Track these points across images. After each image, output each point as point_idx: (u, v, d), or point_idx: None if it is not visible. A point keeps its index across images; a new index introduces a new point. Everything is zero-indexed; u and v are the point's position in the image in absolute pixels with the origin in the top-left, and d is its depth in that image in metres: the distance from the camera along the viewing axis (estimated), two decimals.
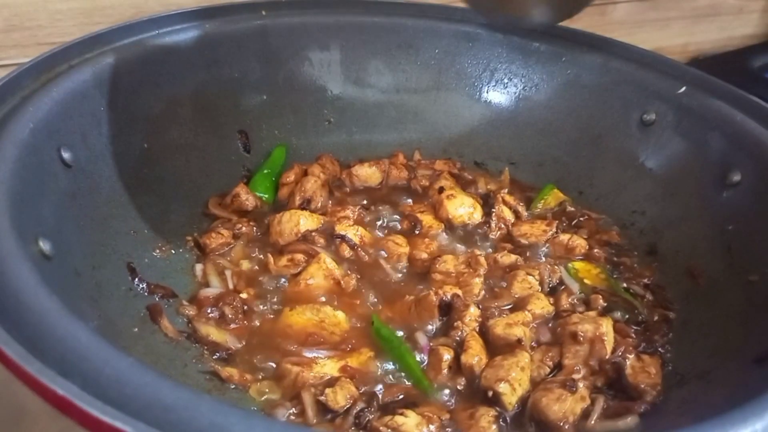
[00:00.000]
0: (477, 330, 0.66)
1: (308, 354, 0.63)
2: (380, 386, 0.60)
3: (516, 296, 0.71)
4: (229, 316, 0.66)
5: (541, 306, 0.69)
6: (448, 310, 0.67)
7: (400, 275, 0.74)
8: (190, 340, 0.63)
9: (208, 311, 0.67)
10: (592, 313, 0.68)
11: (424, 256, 0.76)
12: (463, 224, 0.82)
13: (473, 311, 0.66)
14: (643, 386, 0.61)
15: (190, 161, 0.80)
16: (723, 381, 0.58)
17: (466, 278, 0.72)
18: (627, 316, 0.71)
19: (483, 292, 0.71)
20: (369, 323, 0.66)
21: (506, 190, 0.87)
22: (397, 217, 0.82)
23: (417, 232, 0.79)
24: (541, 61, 0.92)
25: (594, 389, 0.62)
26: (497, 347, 0.64)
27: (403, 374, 0.62)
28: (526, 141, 0.93)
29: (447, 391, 0.61)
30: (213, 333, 0.65)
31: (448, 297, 0.67)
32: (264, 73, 0.88)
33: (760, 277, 0.65)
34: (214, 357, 0.62)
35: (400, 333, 0.66)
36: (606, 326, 0.64)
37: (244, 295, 0.69)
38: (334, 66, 0.92)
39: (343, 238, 0.75)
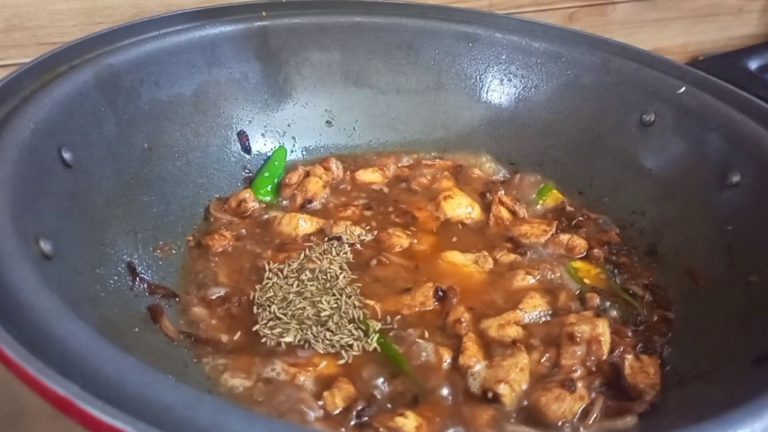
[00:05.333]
0: (473, 330, 0.66)
1: (303, 354, 0.63)
2: (379, 386, 0.60)
3: (511, 295, 0.72)
4: (234, 314, 0.67)
5: (534, 305, 0.69)
6: (443, 299, 0.69)
7: (400, 267, 0.75)
8: (191, 340, 0.64)
9: (216, 311, 0.67)
10: (589, 313, 0.68)
11: (424, 248, 0.77)
12: (461, 223, 0.82)
13: (462, 310, 0.67)
14: (642, 386, 0.61)
15: (190, 161, 0.80)
16: (723, 381, 0.58)
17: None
18: (625, 317, 0.71)
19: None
20: (364, 321, 0.66)
21: (503, 191, 0.87)
22: (395, 214, 0.83)
23: (415, 229, 0.80)
24: (541, 61, 0.92)
25: (593, 389, 0.62)
26: (494, 348, 0.64)
27: (400, 374, 0.62)
28: (526, 141, 0.93)
29: (446, 392, 0.61)
30: (214, 332, 0.65)
31: (444, 288, 0.69)
32: (264, 73, 0.88)
33: (760, 278, 0.65)
34: (216, 357, 0.62)
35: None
36: (602, 327, 0.64)
37: (249, 294, 0.69)
38: (334, 66, 0.92)
39: (339, 239, 0.76)
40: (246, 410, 0.38)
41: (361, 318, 0.66)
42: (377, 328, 0.65)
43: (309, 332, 0.64)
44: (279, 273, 0.71)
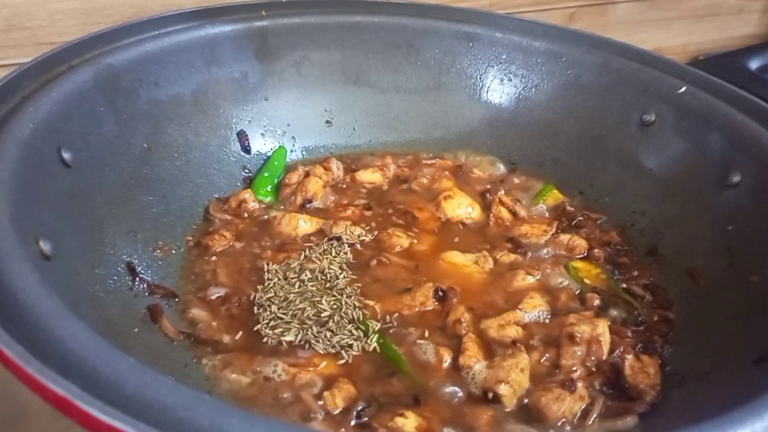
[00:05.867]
0: (473, 330, 0.66)
1: (303, 354, 0.63)
2: (379, 385, 0.60)
3: (511, 295, 0.72)
4: (234, 314, 0.67)
5: (534, 305, 0.69)
6: (443, 299, 0.69)
7: (400, 267, 0.75)
8: (190, 340, 0.63)
9: (216, 311, 0.67)
10: (589, 314, 0.68)
11: (424, 248, 0.77)
12: (462, 223, 0.82)
13: (462, 310, 0.67)
14: (642, 386, 0.61)
15: (190, 161, 0.80)
16: (723, 381, 0.58)
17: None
18: (626, 317, 0.71)
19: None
20: (363, 321, 0.66)
21: (503, 191, 0.87)
22: (395, 214, 0.83)
23: (415, 230, 0.80)
24: (541, 61, 0.92)
25: (593, 390, 0.62)
26: (494, 348, 0.64)
27: (401, 373, 0.62)
28: (526, 141, 0.93)
29: (446, 392, 0.61)
30: (214, 332, 0.65)
31: (444, 288, 0.69)
32: (264, 73, 0.88)
33: (760, 278, 0.65)
34: (216, 357, 0.62)
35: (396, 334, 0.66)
36: (602, 327, 0.64)
37: (249, 294, 0.69)
38: (334, 66, 0.92)
39: (339, 239, 0.77)
40: (246, 411, 0.38)
41: (361, 318, 0.66)
42: (377, 329, 0.65)
43: (309, 332, 0.64)
44: (279, 273, 0.71)
